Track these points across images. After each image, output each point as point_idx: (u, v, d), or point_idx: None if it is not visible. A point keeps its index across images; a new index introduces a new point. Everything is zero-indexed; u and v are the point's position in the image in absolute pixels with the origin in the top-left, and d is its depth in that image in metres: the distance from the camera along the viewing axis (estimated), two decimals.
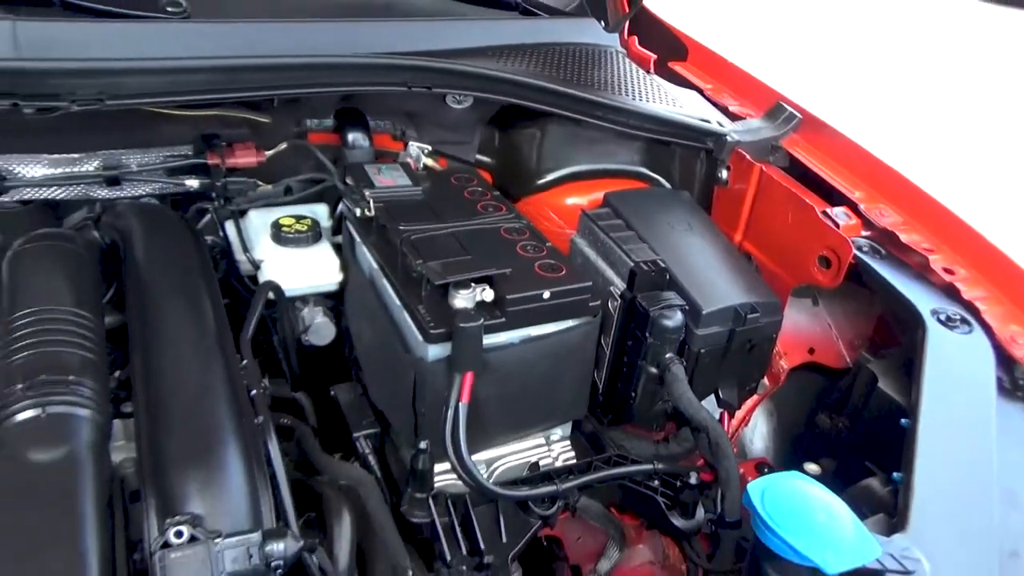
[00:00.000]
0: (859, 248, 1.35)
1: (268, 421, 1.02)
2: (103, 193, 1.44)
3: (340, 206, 1.50)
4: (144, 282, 1.15)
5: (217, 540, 0.82)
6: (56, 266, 1.09)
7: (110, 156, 1.42)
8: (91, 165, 1.41)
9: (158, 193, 1.46)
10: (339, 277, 1.45)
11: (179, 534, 0.82)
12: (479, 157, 1.72)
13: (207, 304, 1.14)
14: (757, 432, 1.55)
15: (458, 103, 1.52)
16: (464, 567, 1.05)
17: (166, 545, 0.81)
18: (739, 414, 1.50)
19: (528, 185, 1.67)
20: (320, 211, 1.57)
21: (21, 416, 0.87)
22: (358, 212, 1.38)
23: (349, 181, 1.46)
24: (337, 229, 1.53)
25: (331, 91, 1.41)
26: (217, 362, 1.05)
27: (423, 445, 1.16)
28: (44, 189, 1.40)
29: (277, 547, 0.83)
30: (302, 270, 1.42)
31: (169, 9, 1.29)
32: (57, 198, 1.42)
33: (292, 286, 1.41)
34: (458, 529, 1.18)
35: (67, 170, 1.39)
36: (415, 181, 1.45)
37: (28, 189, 1.39)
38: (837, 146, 1.54)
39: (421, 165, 1.58)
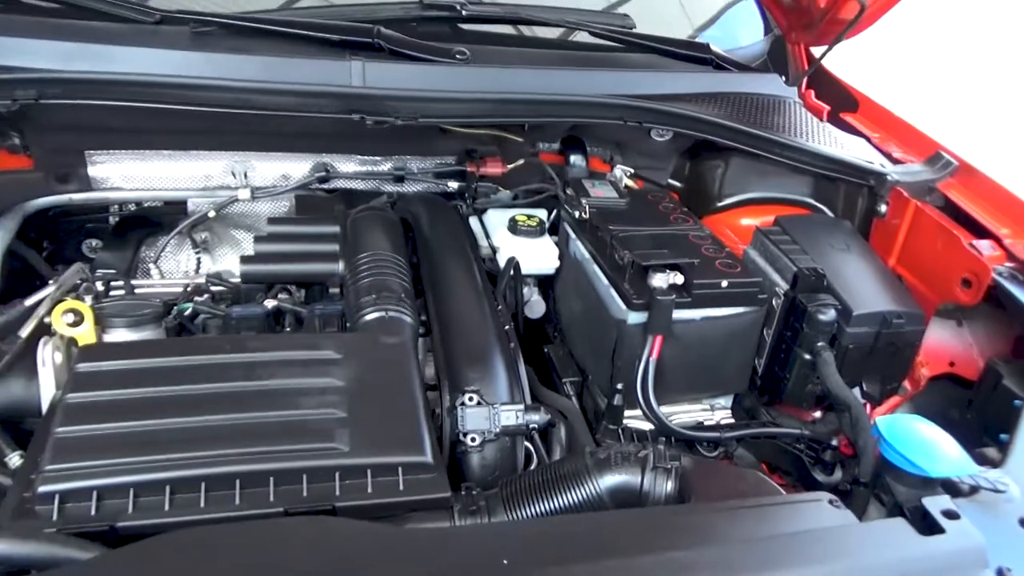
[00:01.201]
0: (999, 274, 1.58)
1: (517, 347, 1.43)
2: (389, 188, 1.95)
3: (557, 210, 1.92)
4: (431, 246, 1.62)
5: (495, 405, 1.23)
6: (380, 227, 1.58)
7: (399, 160, 1.92)
8: (386, 166, 1.93)
9: (427, 191, 1.95)
10: (556, 264, 1.86)
11: (471, 398, 1.24)
12: (670, 181, 2.10)
13: (474, 264, 1.59)
14: None
15: (660, 137, 1.91)
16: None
17: (463, 404, 1.23)
18: (881, 410, 1.76)
19: (709, 206, 2.02)
20: (540, 214, 2.00)
21: (371, 316, 1.34)
22: (577, 215, 1.79)
23: (569, 191, 1.88)
24: (552, 229, 1.95)
25: (567, 120, 1.84)
26: (484, 302, 1.48)
27: (619, 386, 1.53)
28: (350, 181, 1.93)
29: (534, 416, 1.23)
30: (530, 255, 1.84)
31: (458, 56, 1.77)
32: (356, 188, 1.95)
33: (522, 267, 1.84)
34: None
35: (370, 168, 1.92)
36: (620, 194, 1.85)
37: (341, 181, 1.92)
38: (989, 190, 1.78)
39: (623, 184, 1.97)
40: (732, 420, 1.69)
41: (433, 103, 1.67)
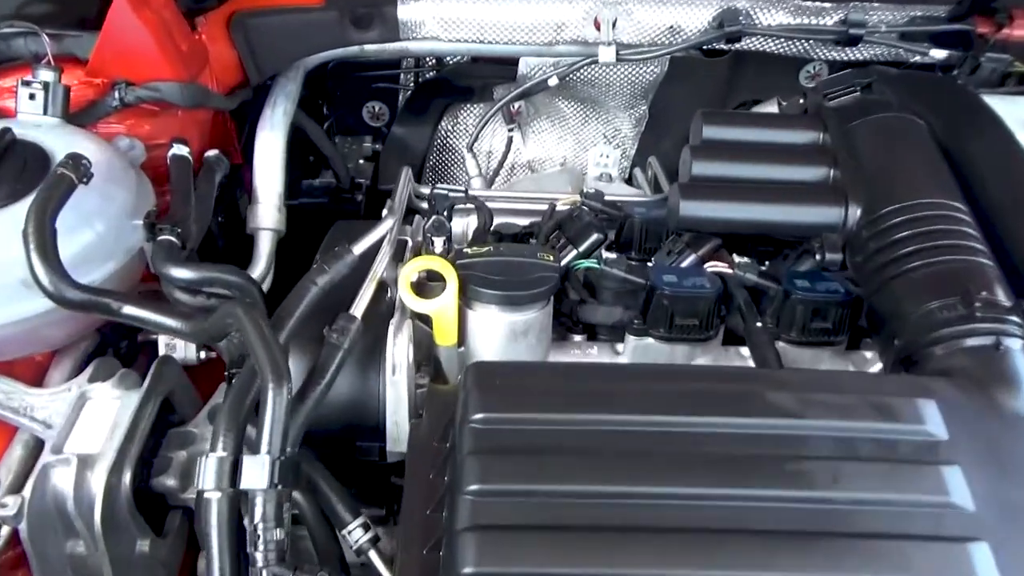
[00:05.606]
0: None
1: None
2: (825, 53, 1.24)
3: None
4: (986, 185, 0.90)
5: None
6: (912, 146, 0.89)
7: (856, 8, 1.19)
8: (831, 18, 1.20)
9: (890, 59, 1.22)
10: None
11: None
12: None
13: None
14: None
15: None
16: None
17: None
18: None
19: None
20: None
21: (966, 343, 0.70)
22: None
23: None
24: None
25: None
26: None
27: None
28: (768, 40, 1.23)
29: None
30: None
31: None
32: (774, 51, 1.25)
33: None
34: None
35: (806, 20, 1.20)
36: None
37: (757, 38, 1.22)
38: None
39: None
40: None
41: None
